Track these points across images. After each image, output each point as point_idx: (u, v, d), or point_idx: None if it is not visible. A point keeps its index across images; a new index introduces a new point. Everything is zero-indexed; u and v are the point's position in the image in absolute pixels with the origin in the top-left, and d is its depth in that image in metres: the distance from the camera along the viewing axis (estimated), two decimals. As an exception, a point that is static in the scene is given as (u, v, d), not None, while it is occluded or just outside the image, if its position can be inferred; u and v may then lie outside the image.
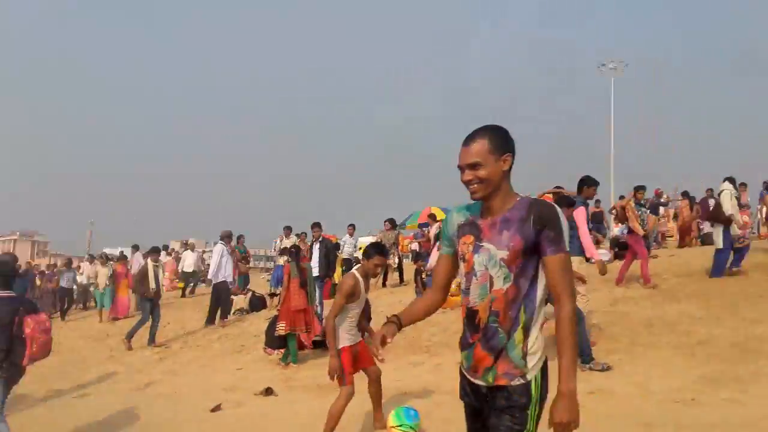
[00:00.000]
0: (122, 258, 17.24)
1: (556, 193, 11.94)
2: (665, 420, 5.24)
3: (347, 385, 5.30)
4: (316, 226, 12.96)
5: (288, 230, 16.89)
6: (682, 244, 17.61)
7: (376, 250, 5.44)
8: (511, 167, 2.44)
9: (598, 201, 18.34)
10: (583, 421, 5.40)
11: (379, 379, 5.70)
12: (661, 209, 18.53)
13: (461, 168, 2.44)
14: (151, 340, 11.83)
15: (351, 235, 16.89)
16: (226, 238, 13.70)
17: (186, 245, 26.07)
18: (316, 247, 12.69)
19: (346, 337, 5.35)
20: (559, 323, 2.36)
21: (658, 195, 19.05)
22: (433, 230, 16.05)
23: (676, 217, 18.45)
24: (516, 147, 2.46)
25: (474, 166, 2.39)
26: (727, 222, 10.48)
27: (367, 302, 5.77)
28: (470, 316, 2.46)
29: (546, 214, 2.36)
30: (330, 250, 12.84)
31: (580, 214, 8.00)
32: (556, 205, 2.39)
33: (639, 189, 11.96)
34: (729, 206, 10.50)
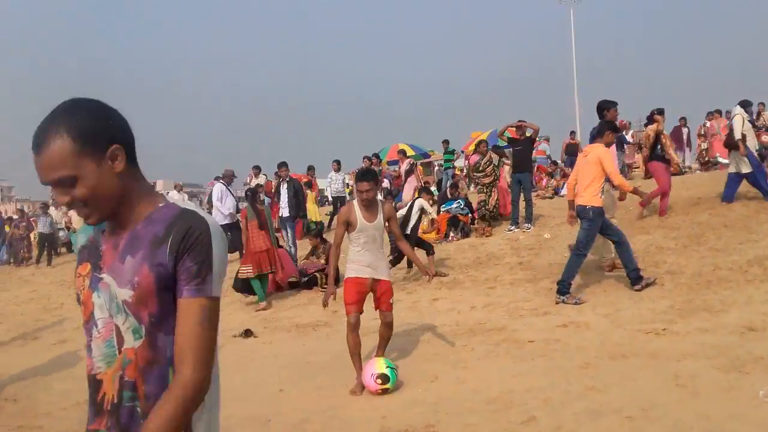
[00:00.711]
0: None
1: (519, 127, 12.01)
2: (637, 350, 5.43)
3: (346, 315, 5.39)
4: (283, 165, 12.73)
5: (257, 170, 16.63)
6: (648, 175, 17.87)
7: (357, 176, 5.44)
8: (129, 160, 1.53)
9: (573, 133, 18.43)
10: (556, 354, 5.61)
11: (390, 325, 5.51)
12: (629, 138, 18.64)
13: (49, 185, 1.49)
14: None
15: (337, 171, 16.46)
16: (228, 177, 12.95)
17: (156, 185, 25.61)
18: (284, 187, 12.52)
19: (350, 267, 5.37)
20: (169, 394, 1.46)
21: (623, 127, 19.12)
22: (404, 166, 16.01)
23: (640, 148, 18.63)
24: (125, 125, 1.55)
25: (64, 183, 1.45)
26: (737, 146, 10.24)
27: (398, 221, 5.74)
28: (93, 387, 1.57)
29: (192, 233, 1.49)
30: (298, 190, 12.71)
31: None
32: (209, 221, 1.55)
33: (661, 112, 10.77)
34: (739, 130, 10.33)
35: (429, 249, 9.62)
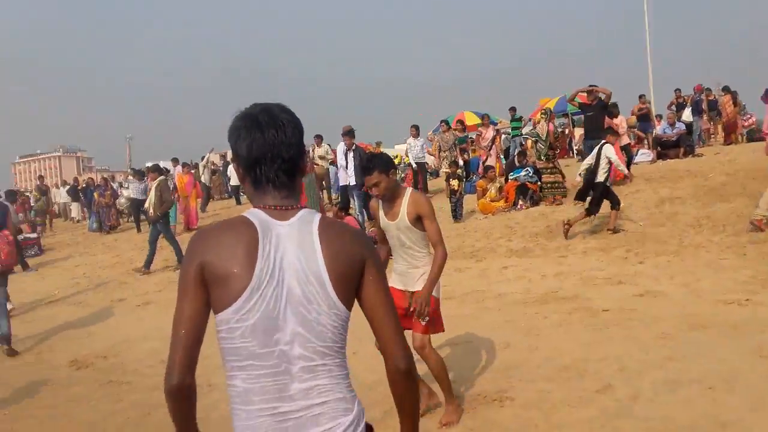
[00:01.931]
0: (188, 165, 17.37)
1: (590, 92, 11.64)
2: (718, 321, 5.28)
3: None
4: (347, 134, 12.60)
5: (319, 139, 16.58)
6: (727, 141, 17.10)
7: (363, 168, 4.19)
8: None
9: (642, 96, 17.73)
10: (632, 324, 5.50)
11: (419, 354, 3.95)
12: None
13: None
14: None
15: (415, 136, 15.53)
16: (349, 134, 12.45)
17: (224, 158, 26.25)
18: (350, 155, 12.46)
19: (391, 275, 4.07)
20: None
21: (699, 91, 18.25)
22: (490, 133, 15.41)
23: (719, 114, 17.78)
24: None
25: None
26: None
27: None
28: None
29: None
30: (364, 158, 12.61)
31: None
32: None
33: None
34: None
35: (615, 202, 9.14)
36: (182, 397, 1.55)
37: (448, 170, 13.56)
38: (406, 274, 4.11)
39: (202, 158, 22.63)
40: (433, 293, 4.00)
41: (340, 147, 12.80)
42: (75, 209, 23.75)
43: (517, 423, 3.97)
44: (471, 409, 4.24)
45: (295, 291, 1.53)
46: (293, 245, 1.55)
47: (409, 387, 1.66)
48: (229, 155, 29.99)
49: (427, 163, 16.12)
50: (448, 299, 7.16)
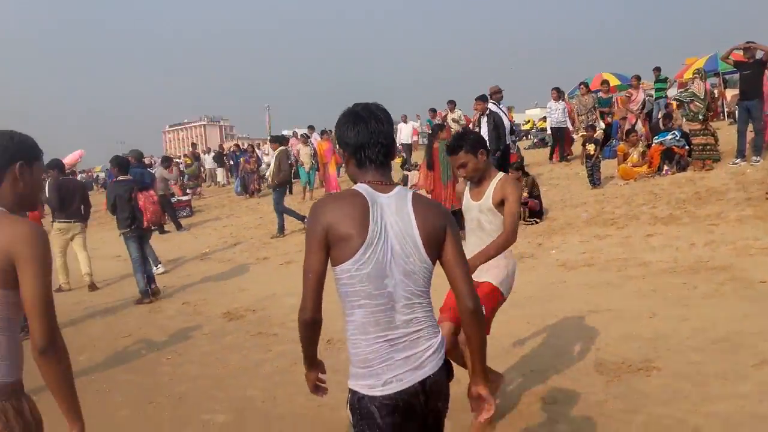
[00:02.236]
0: (326, 133, 18.06)
1: (747, 49, 10.64)
2: None
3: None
4: (480, 99, 12.32)
5: (452, 104, 16.46)
6: None
7: (448, 146, 3.86)
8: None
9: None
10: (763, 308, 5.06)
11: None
12: None
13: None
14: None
15: (556, 99, 14.86)
16: (496, 95, 12.05)
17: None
18: (484, 120, 12.15)
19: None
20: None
21: None
22: (640, 95, 14.48)
23: None
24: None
25: None
26: None
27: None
28: None
29: None
30: (498, 124, 12.30)
31: None
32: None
33: None
34: None
35: None
36: (312, 327, 2.06)
37: (585, 134, 13.02)
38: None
39: (336, 125, 23.24)
40: (500, 286, 3.63)
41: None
42: (220, 174, 25.36)
43: (665, 393, 3.82)
44: (615, 377, 4.14)
45: (396, 248, 1.99)
46: (393, 213, 2.02)
47: (476, 323, 2.07)
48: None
49: (569, 128, 15.32)
50: (587, 266, 7.00)
